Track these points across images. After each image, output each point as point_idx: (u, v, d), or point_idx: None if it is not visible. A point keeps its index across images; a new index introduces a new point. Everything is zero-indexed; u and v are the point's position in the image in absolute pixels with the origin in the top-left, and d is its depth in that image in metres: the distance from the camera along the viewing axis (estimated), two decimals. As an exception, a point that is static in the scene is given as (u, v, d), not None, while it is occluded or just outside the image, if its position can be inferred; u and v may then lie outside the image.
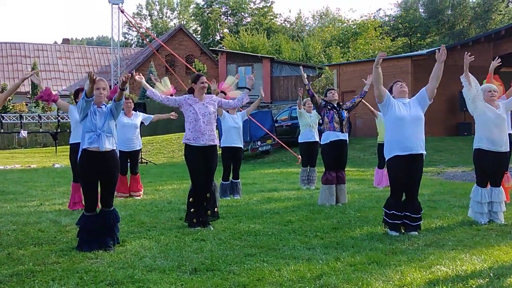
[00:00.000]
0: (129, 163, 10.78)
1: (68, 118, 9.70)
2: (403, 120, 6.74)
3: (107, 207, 6.35)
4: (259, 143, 23.02)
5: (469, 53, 7.40)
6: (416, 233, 6.79)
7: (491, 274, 4.93)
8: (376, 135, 12.25)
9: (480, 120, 7.49)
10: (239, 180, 10.86)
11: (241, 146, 10.74)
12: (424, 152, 6.89)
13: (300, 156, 12.60)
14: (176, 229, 7.31)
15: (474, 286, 4.65)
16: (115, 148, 6.36)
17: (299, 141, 12.32)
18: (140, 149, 11.13)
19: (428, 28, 49.75)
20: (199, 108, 7.40)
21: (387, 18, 52.88)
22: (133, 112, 10.83)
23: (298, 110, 11.83)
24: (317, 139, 11.81)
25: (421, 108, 6.92)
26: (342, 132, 9.35)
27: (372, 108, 11.64)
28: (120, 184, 10.52)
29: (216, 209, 7.69)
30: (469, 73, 7.37)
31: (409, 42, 49.54)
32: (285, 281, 4.88)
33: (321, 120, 9.74)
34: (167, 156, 26.09)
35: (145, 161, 22.46)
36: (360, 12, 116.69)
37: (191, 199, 7.47)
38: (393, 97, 6.98)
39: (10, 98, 36.46)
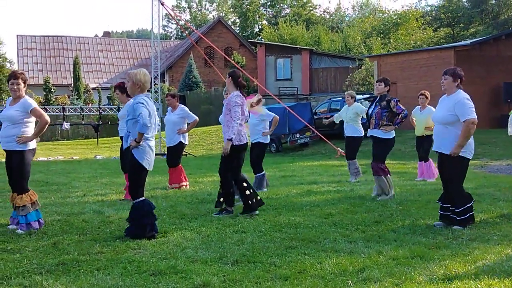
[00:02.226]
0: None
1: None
2: (434, 119, 7.14)
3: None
4: (298, 135, 22.91)
5: None
6: (459, 227, 6.66)
7: (538, 270, 4.81)
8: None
9: None
10: (262, 173, 10.59)
11: (258, 141, 10.44)
12: (447, 152, 6.71)
13: (339, 149, 12.53)
14: (217, 221, 7.36)
15: (521, 282, 4.54)
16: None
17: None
18: (177, 144, 10.65)
19: (471, 18, 48.70)
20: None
21: (429, 8, 52.13)
22: (179, 105, 10.72)
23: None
24: (350, 134, 11.73)
25: (452, 111, 6.67)
26: (369, 128, 9.34)
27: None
28: (172, 175, 10.68)
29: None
30: None
31: (452, 33, 48.61)
32: (327, 274, 4.86)
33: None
34: (206, 148, 26.24)
35: (185, 153, 22.65)
36: (402, 2, 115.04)
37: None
38: None
39: (53, 90, 37.42)
